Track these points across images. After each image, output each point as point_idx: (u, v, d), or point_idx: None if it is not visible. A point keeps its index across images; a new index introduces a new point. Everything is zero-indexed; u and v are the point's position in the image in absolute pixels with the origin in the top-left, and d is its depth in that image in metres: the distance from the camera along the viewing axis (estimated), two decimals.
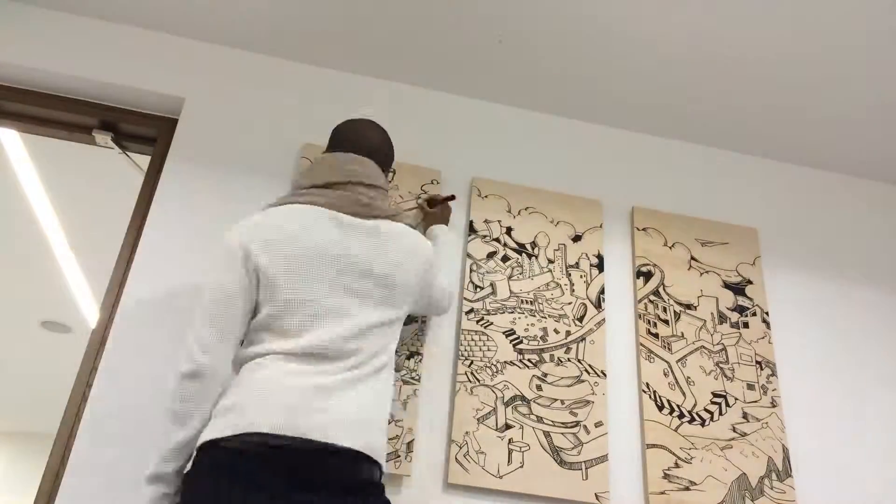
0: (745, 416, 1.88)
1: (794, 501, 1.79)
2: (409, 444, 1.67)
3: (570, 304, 1.93)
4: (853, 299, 2.17)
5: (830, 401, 1.99)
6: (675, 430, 1.83)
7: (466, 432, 1.71)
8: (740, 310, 2.04)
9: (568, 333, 1.89)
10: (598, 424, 1.79)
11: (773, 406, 1.91)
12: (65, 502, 1.51)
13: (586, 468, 1.73)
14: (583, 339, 1.89)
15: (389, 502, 1.27)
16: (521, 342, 1.85)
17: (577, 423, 1.78)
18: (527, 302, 1.91)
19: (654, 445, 1.80)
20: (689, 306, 2.01)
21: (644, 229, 2.11)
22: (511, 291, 1.92)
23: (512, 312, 1.89)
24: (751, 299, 2.06)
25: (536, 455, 1.72)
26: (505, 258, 1.97)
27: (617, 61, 2.06)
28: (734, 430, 1.86)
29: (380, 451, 1.26)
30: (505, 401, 1.77)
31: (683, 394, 1.88)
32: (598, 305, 1.95)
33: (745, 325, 2.02)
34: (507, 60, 2.10)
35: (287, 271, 1.30)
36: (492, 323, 1.86)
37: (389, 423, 1.66)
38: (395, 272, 1.39)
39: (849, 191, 2.38)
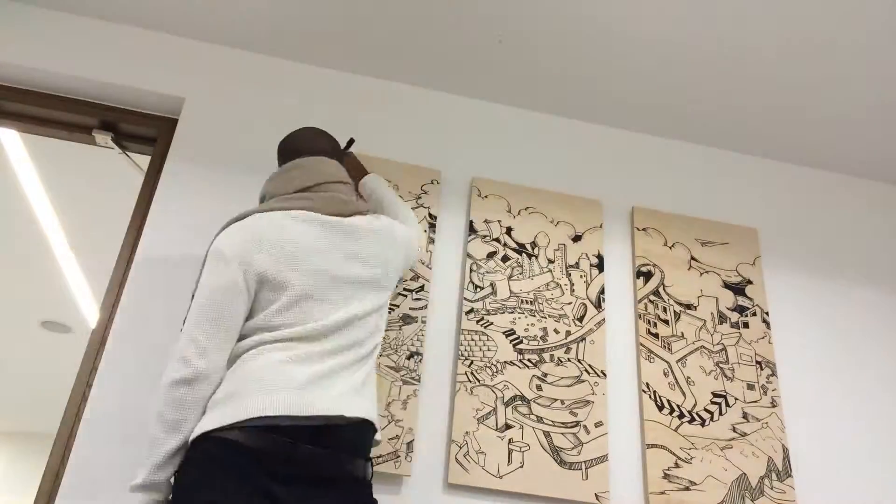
0: (745, 416, 1.88)
1: (794, 501, 1.79)
2: (409, 444, 1.67)
3: (570, 304, 1.93)
4: (853, 299, 2.17)
5: (830, 401, 1.99)
6: (675, 430, 1.83)
7: (466, 432, 1.71)
8: (740, 310, 2.04)
9: (568, 333, 1.89)
10: (598, 424, 1.79)
11: (773, 406, 1.91)
12: (65, 502, 1.51)
13: (586, 468, 1.73)
14: (583, 339, 1.89)
15: (377, 501, 1.30)
16: (521, 342, 1.85)
17: (577, 423, 1.78)
18: (527, 302, 1.91)
19: (654, 445, 1.80)
20: (689, 306, 2.01)
21: (644, 229, 2.11)
22: (511, 291, 1.92)
23: (512, 312, 1.89)
24: (751, 299, 2.06)
25: (536, 455, 1.72)
26: (505, 258, 1.97)
27: (617, 61, 2.06)
28: (734, 430, 1.86)
29: (378, 423, 1.36)
30: (505, 401, 1.77)
31: (683, 394, 1.88)
32: (598, 305, 1.95)
33: (745, 325, 2.02)
34: (507, 60, 2.10)
35: (283, 273, 1.32)
36: (492, 323, 1.86)
37: (389, 423, 1.68)
38: (383, 259, 1.46)
39: (849, 191, 2.38)
